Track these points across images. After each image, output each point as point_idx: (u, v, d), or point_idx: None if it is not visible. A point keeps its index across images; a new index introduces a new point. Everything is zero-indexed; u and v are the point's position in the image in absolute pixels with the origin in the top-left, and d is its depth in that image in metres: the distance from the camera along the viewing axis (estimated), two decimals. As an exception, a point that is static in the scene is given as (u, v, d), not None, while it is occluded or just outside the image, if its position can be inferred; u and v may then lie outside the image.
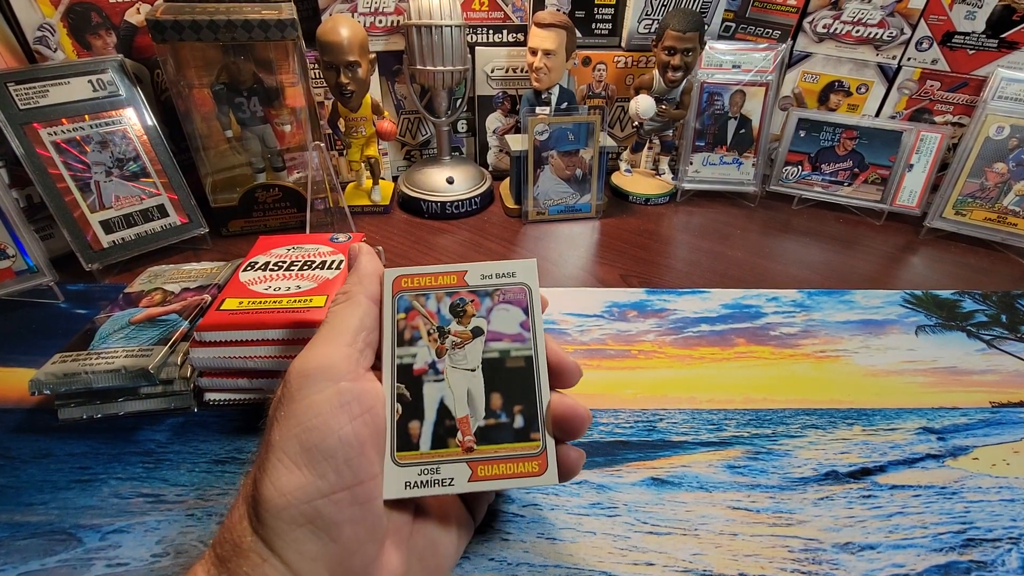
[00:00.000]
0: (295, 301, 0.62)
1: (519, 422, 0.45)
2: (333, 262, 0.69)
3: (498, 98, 1.23)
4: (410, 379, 0.46)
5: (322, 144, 0.94)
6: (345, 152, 1.15)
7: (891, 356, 0.80)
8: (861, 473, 0.63)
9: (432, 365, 0.46)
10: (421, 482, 0.43)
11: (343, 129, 1.10)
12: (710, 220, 1.16)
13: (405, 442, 0.44)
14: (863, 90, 1.21)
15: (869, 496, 0.61)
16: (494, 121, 1.26)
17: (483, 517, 0.54)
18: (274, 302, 0.62)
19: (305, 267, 0.68)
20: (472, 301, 0.48)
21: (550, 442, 0.45)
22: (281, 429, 0.40)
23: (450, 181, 1.14)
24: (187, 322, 0.69)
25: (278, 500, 0.38)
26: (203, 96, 0.97)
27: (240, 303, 0.62)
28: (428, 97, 1.14)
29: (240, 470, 0.61)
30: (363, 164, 1.15)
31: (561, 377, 0.47)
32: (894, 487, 0.62)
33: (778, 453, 0.66)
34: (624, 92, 1.26)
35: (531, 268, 0.49)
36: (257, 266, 0.68)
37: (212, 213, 1.00)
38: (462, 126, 1.28)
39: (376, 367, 0.47)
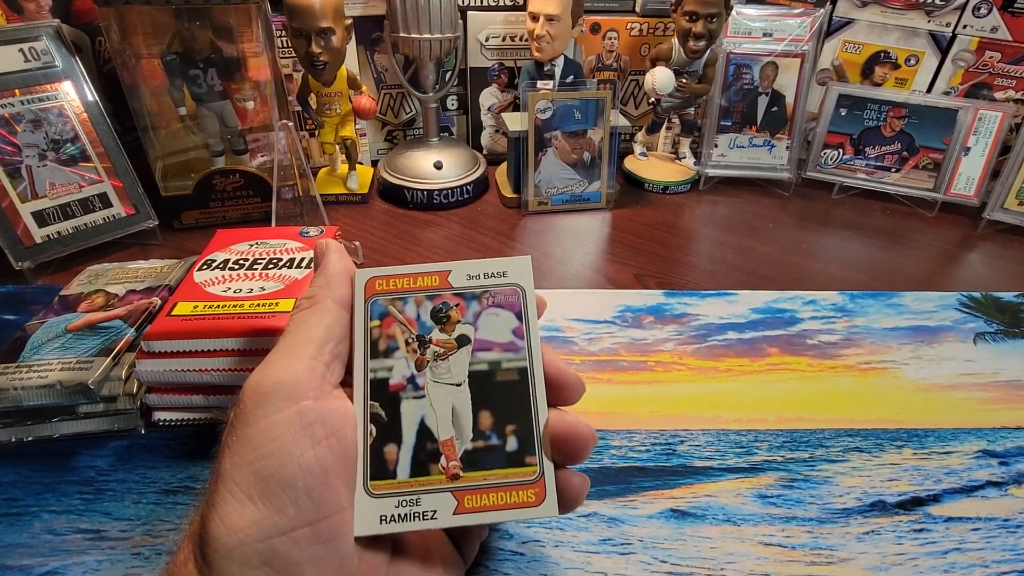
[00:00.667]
0: (258, 305, 0.61)
1: (512, 444, 0.44)
2: (303, 260, 0.68)
3: (493, 71, 1.23)
4: (386, 396, 0.45)
5: (290, 123, 0.93)
6: (317, 133, 1.14)
7: (946, 368, 0.80)
8: (912, 503, 0.63)
9: (411, 380, 0.46)
10: (399, 516, 0.42)
11: (314, 106, 1.10)
12: (738, 211, 1.16)
13: (380, 469, 0.44)
14: (913, 62, 1.21)
15: (921, 530, 0.61)
16: (489, 97, 1.26)
17: (475, 556, 0.54)
18: (234, 306, 0.61)
19: (270, 266, 0.67)
20: (457, 305, 0.48)
21: (548, 467, 0.44)
22: (232, 456, 0.39)
23: (438, 166, 1.14)
24: (133, 329, 0.69)
25: (227, 539, 0.37)
26: (152, 68, 0.97)
27: (194, 308, 0.61)
28: (413, 69, 1.14)
29: (195, 501, 0.60)
30: (338, 147, 1.15)
31: (561, 392, 0.47)
32: (950, 519, 0.62)
33: (816, 480, 0.65)
34: (639, 64, 1.26)
35: (524, 267, 0.49)
36: (214, 265, 0.67)
37: (163, 203, 1.00)
38: (452, 103, 1.28)
39: (347, 383, 0.46)
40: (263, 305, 0.61)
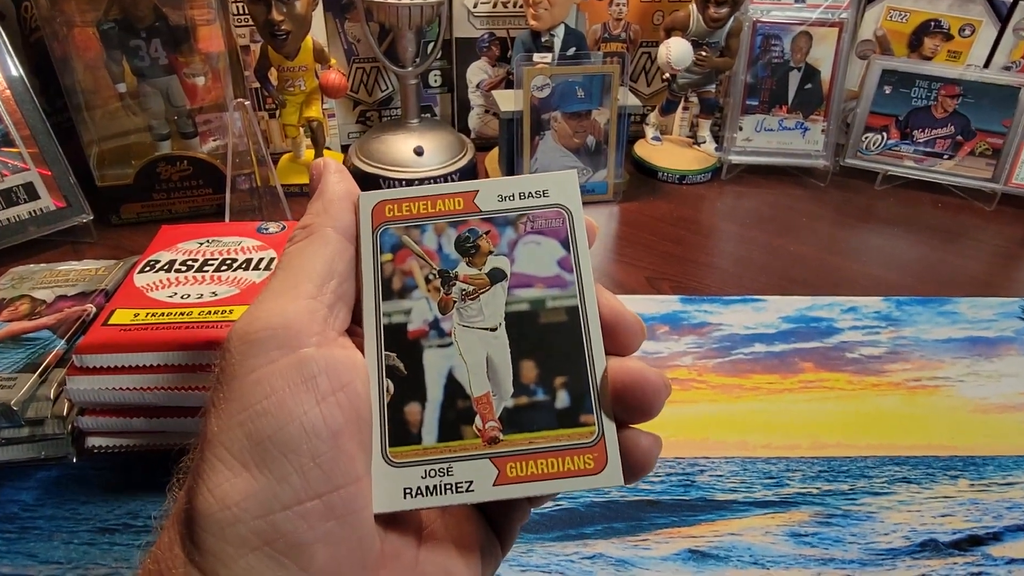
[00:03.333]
0: (210, 313, 0.61)
1: (563, 400, 0.41)
2: (262, 260, 0.68)
3: (483, 41, 1.23)
4: (404, 345, 0.42)
5: (247, 103, 0.93)
6: (278, 113, 1.15)
7: (1007, 386, 0.80)
8: (969, 543, 0.63)
9: (434, 324, 0.42)
10: (427, 488, 0.39)
11: (275, 83, 1.10)
12: (766, 204, 1.16)
13: (401, 433, 0.40)
14: (968, 32, 1.21)
15: (980, 573, 0.61)
16: (478, 72, 1.26)
17: (514, 543, 0.48)
18: (181, 315, 0.61)
19: (223, 267, 0.67)
20: (487, 233, 0.44)
21: (609, 426, 0.40)
22: (220, 417, 0.36)
23: (419, 152, 1.13)
24: (63, 341, 0.68)
25: (220, 515, 0.34)
26: (87, 38, 0.96)
27: (135, 316, 0.61)
28: (390, 40, 1.14)
29: (136, 540, 0.60)
30: (302, 129, 1.15)
31: (617, 336, 0.43)
32: (1012, 561, 0.62)
33: (858, 516, 0.65)
34: (651, 34, 1.26)
35: (570, 183, 0.45)
36: (159, 266, 0.67)
37: (98, 195, 1.00)
38: (435, 79, 1.28)
39: (354, 332, 0.42)
40: (215, 313, 0.61)
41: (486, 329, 0.42)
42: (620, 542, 0.62)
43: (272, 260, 0.68)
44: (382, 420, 0.40)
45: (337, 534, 0.36)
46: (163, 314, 0.61)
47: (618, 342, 0.42)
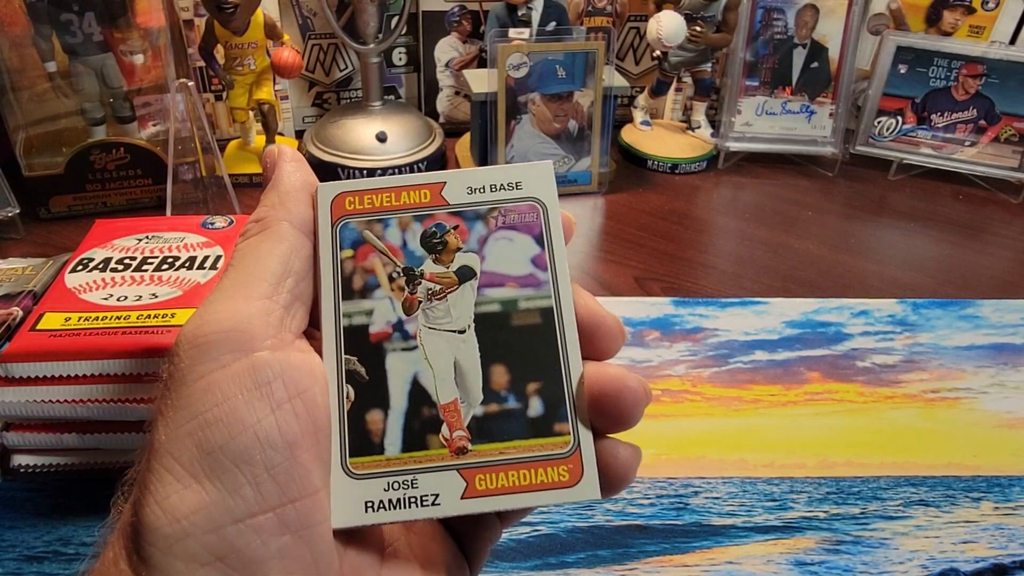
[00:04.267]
0: (149, 317, 0.61)
1: (537, 408, 0.42)
2: (207, 258, 0.68)
3: (453, 15, 1.24)
4: (366, 348, 0.43)
5: (190, 83, 0.93)
6: (225, 95, 1.15)
7: (1034, 397, 0.81)
8: (993, 572, 0.64)
9: (398, 326, 0.43)
10: (390, 501, 0.40)
11: (222, 61, 1.10)
12: (767, 196, 1.17)
13: (363, 443, 0.41)
14: (992, 5, 1.22)
15: (1004, 605, 0.61)
16: (447, 50, 1.26)
17: (483, 564, 0.49)
18: (117, 319, 0.61)
19: (164, 266, 0.67)
20: (456, 228, 0.44)
21: (585, 435, 0.41)
22: (168, 426, 0.37)
23: (381, 138, 1.14)
24: (-14, 349, 0.68)
25: (169, 528, 0.35)
26: (13, 12, 0.96)
27: (66, 320, 0.61)
28: (349, 13, 1.14)
29: (67, 569, 0.60)
30: (252, 113, 1.15)
31: (595, 340, 0.44)
32: (1040, 591, 0.62)
33: (870, 543, 0.66)
34: (640, 7, 1.26)
35: (545, 174, 0.46)
36: (92, 265, 0.67)
37: (26, 185, 1.00)
38: (399, 57, 1.28)
39: (312, 335, 0.43)
40: (155, 317, 0.61)
41: (454, 332, 0.43)
42: (605, 571, 0.63)
43: (219, 258, 0.68)
44: (341, 430, 0.41)
45: (292, 550, 0.37)
46: (97, 318, 0.61)
47: (596, 346, 0.43)
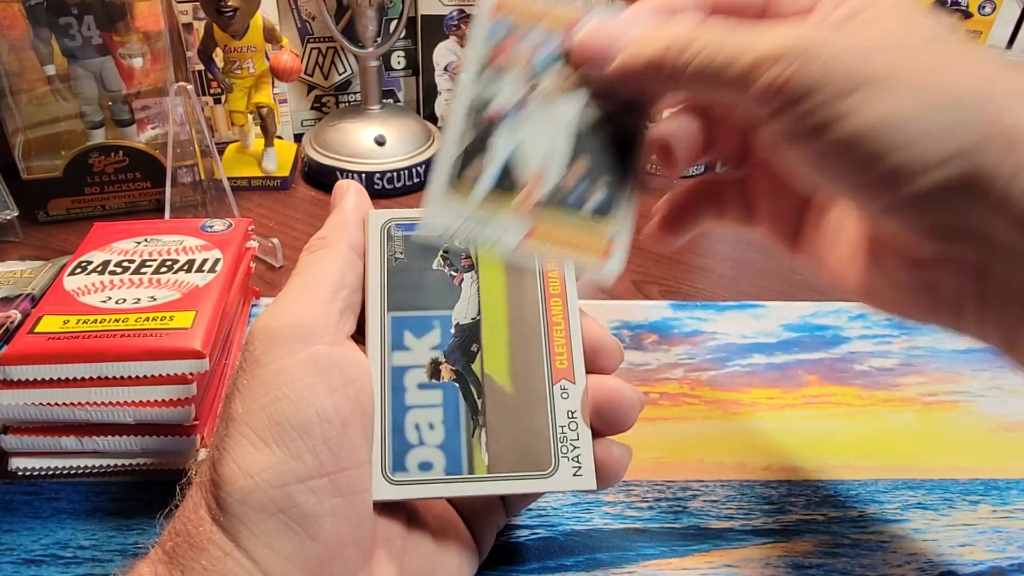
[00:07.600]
0: (148, 320, 0.61)
1: (599, 197, 0.50)
2: (205, 261, 0.68)
3: (452, 19, 1.24)
4: (479, 124, 0.49)
5: (189, 87, 0.93)
6: (224, 99, 1.14)
7: (1032, 401, 0.81)
8: (992, 575, 0.64)
9: (513, 107, 0.50)
10: (464, 234, 0.47)
11: (221, 64, 1.10)
12: (765, 200, 1.16)
13: (461, 179, 0.48)
14: (988, 10, 1.22)
15: (1002, 608, 0.61)
16: (446, 54, 1.26)
17: (490, 549, 0.58)
18: (116, 322, 0.61)
19: (163, 269, 0.67)
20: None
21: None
22: (244, 400, 0.45)
23: (380, 142, 1.14)
24: (-16, 352, 0.68)
25: (244, 482, 0.42)
26: (12, 14, 0.96)
27: (64, 323, 0.61)
28: (348, 17, 1.14)
29: (65, 573, 0.60)
30: (251, 116, 1.15)
31: (597, 360, 0.54)
32: (1038, 595, 0.62)
33: (869, 546, 0.66)
34: None
35: None
36: (91, 267, 0.67)
37: (24, 188, 1.00)
38: (398, 61, 1.28)
39: (358, 340, 0.51)
40: (153, 320, 0.61)
41: (558, 124, 0.50)
42: (603, 574, 0.62)
43: (217, 261, 0.68)
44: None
45: (342, 510, 0.45)
46: (96, 321, 0.61)
47: (598, 365, 0.54)
